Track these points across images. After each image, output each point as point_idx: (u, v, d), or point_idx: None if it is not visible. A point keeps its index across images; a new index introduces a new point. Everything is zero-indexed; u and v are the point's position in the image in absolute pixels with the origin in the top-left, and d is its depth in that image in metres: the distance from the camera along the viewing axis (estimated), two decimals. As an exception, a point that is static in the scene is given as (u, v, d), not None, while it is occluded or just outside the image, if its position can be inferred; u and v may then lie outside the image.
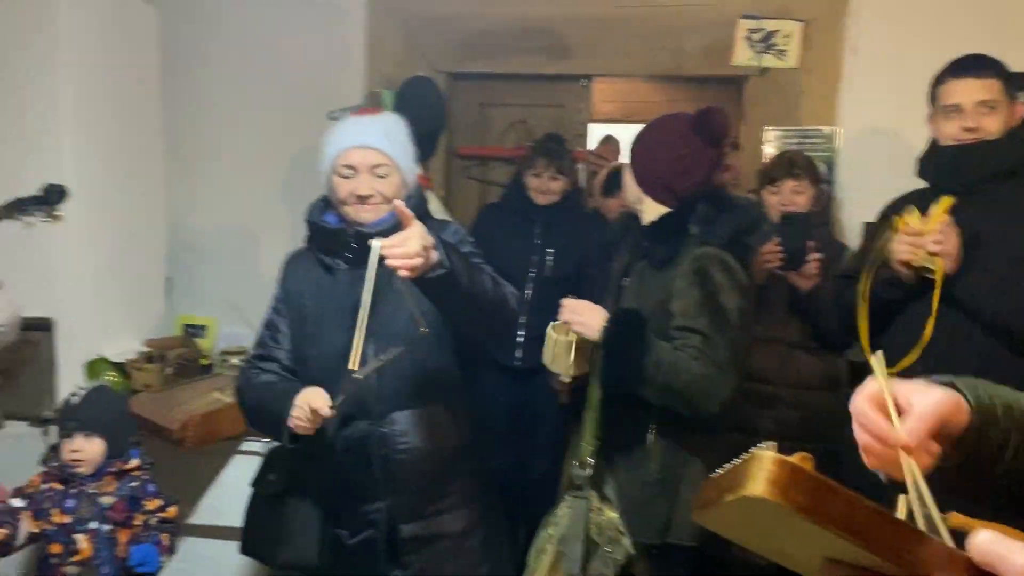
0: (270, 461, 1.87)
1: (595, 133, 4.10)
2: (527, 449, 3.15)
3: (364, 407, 1.80)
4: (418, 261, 1.47)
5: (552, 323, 1.93)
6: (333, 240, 1.84)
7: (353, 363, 1.50)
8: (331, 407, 1.67)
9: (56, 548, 2.14)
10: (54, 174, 2.63)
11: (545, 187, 3.03)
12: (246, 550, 1.89)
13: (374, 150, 1.80)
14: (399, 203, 1.54)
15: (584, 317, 1.85)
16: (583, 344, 1.87)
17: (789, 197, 2.56)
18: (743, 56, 3.09)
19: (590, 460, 1.91)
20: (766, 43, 3.05)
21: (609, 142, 4.13)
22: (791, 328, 2.50)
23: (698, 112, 1.90)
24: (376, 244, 1.51)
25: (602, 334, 1.81)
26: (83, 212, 2.74)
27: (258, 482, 1.87)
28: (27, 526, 2.11)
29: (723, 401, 1.76)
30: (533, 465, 3.16)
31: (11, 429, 2.69)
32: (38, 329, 2.71)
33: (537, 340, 2.02)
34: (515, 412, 3.13)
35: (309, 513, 1.79)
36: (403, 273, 1.48)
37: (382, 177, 1.81)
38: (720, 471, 0.63)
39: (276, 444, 1.89)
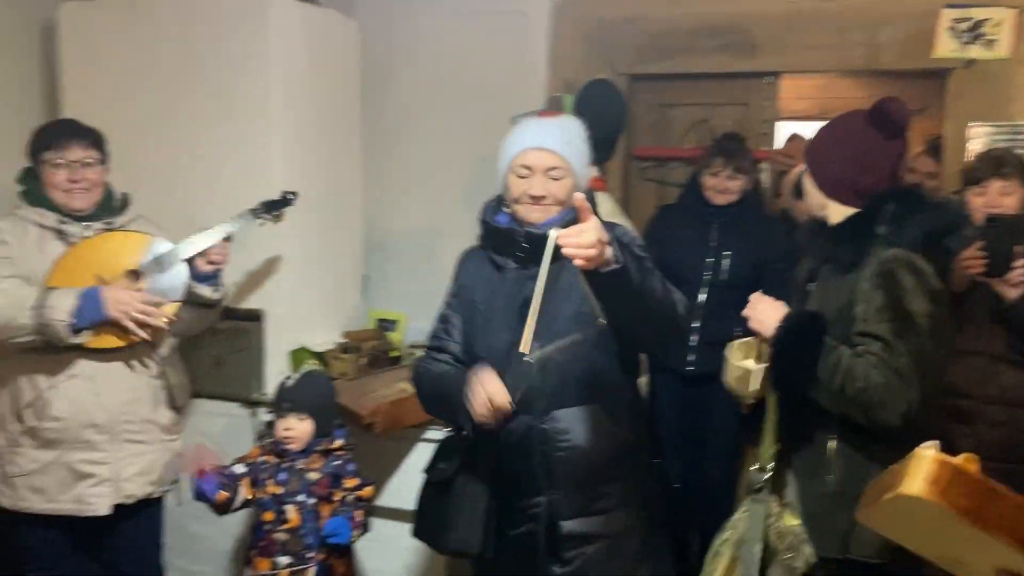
0: (442, 449, 1.98)
1: (784, 131, 3.96)
2: (701, 455, 3.11)
3: (528, 403, 1.86)
4: (593, 252, 1.50)
5: (730, 344, 1.91)
6: (504, 239, 1.92)
7: (524, 346, 1.55)
8: (510, 402, 1.74)
9: (268, 516, 2.38)
10: (264, 180, 2.90)
11: (722, 186, 2.97)
12: (417, 533, 2.01)
13: (551, 152, 1.86)
14: (580, 196, 1.58)
15: (762, 315, 1.81)
16: (764, 363, 1.83)
17: (996, 199, 2.37)
18: (946, 48, 2.90)
19: (770, 464, 1.87)
20: (973, 33, 2.84)
21: (795, 140, 3.98)
22: (995, 340, 2.31)
23: (873, 105, 1.81)
24: (554, 233, 1.55)
25: (775, 333, 1.77)
26: (291, 214, 2.99)
27: (430, 469, 1.98)
28: (245, 492, 2.35)
29: (903, 413, 1.67)
30: (707, 471, 3.12)
31: (224, 409, 2.98)
32: (250, 319, 3.00)
33: (711, 346, 2.00)
34: (689, 418, 3.09)
35: (475, 502, 1.86)
36: (578, 262, 1.51)
37: (556, 180, 1.86)
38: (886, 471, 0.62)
39: (449, 433, 2.00)
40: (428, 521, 1.97)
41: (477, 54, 3.42)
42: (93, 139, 2.40)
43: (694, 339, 2.94)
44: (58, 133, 2.38)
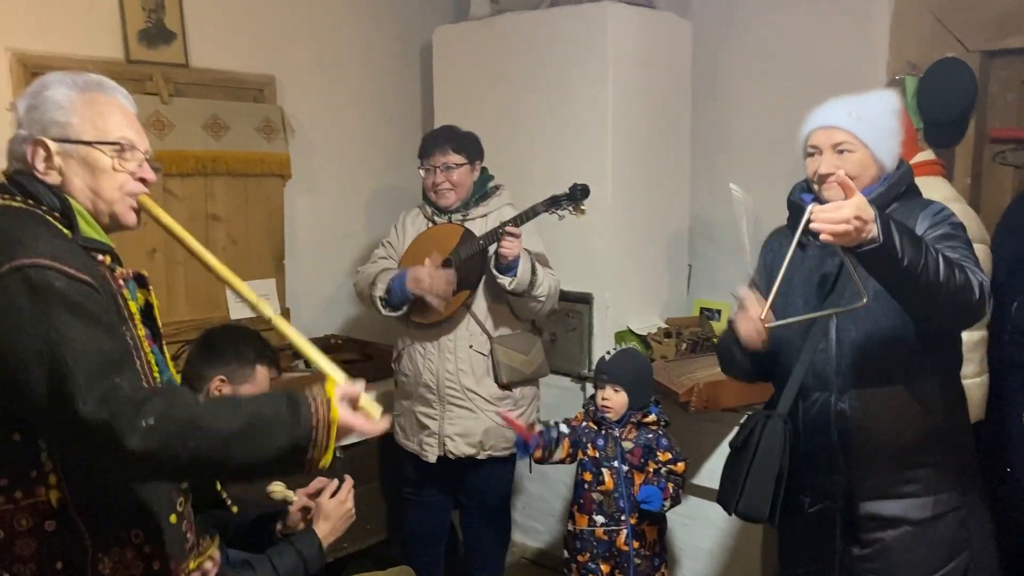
0: (746, 422, 2.05)
1: None
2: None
3: (824, 380, 1.87)
4: (842, 228, 1.51)
5: None
6: (800, 216, 1.93)
7: (763, 314, 1.64)
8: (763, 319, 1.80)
9: (587, 476, 2.61)
10: (598, 170, 3.14)
11: None
12: (718, 498, 2.10)
13: (836, 129, 1.86)
14: (840, 174, 1.61)
15: None
16: None
17: None
18: None
19: None
20: None
21: None
22: None
23: None
24: (810, 207, 1.59)
25: None
26: (620, 204, 3.21)
27: (733, 440, 2.06)
28: (562, 452, 2.61)
29: None
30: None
31: (557, 382, 3.28)
32: (581, 302, 3.28)
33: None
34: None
35: (765, 470, 1.91)
36: (825, 237, 1.53)
37: (845, 154, 1.85)
38: None
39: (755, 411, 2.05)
40: (724, 485, 2.06)
41: (811, 39, 3.34)
42: (456, 145, 2.75)
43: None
44: (427, 143, 2.79)
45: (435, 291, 2.62)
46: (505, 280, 2.64)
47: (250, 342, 2.16)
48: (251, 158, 3.26)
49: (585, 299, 3.27)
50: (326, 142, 3.60)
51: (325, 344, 3.37)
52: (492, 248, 2.65)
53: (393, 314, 2.72)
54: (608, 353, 2.66)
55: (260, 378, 2.11)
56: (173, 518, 1.41)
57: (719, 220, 3.68)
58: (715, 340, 3.31)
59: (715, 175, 3.59)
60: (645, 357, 2.82)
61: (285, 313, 3.39)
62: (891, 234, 1.56)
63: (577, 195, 2.70)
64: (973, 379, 2.39)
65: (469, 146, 2.79)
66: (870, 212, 1.54)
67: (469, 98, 3.52)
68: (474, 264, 2.70)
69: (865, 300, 1.67)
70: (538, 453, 2.54)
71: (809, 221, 1.56)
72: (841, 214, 1.52)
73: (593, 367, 3.14)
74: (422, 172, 2.79)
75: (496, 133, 3.39)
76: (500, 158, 3.35)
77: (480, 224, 2.77)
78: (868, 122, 1.86)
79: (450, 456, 2.75)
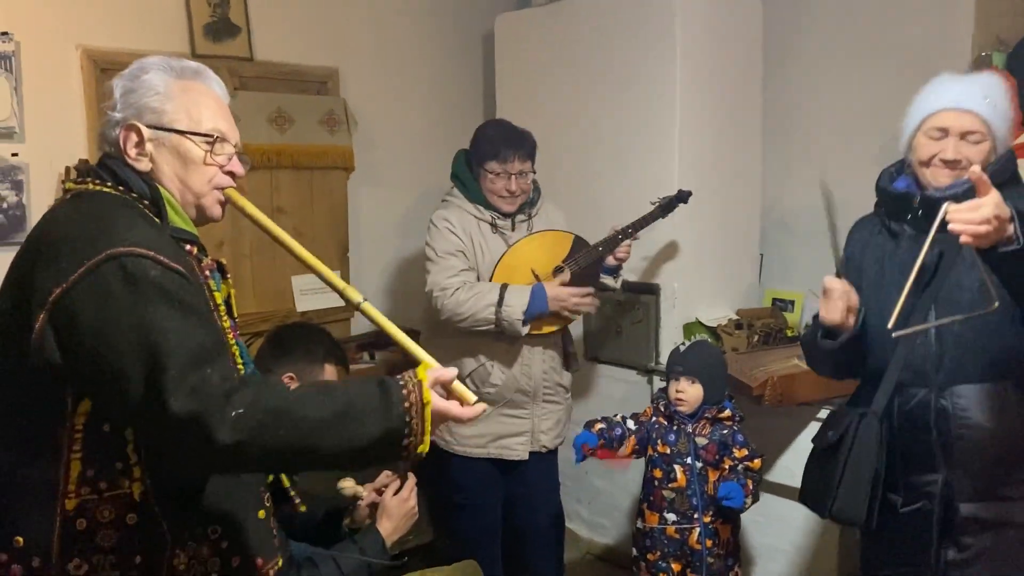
0: (831, 418, 1.94)
1: None
2: None
3: (923, 375, 1.75)
4: (984, 228, 1.40)
5: None
6: (900, 204, 1.82)
7: (891, 322, 1.48)
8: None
9: (658, 473, 2.54)
10: (666, 157, 3.05)
11: None
12: (802, 499, 1.99)
13: (971, 114, 1.73)
14: (976, 169, 1.47)
15: None
16: None
17: None
18: None
19: None
20: None
21: None
22: None
23: None
24: (946, 206, 1.47)
25: None
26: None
27: (818, 437, 1.95)
28: (628, 448, 2.55)
29: None
30: None
31: (624, 376, 3.22)
32: (647, 293, 3.19)
33: None
34: None
35: (861, 471, 1.80)
36: (965, 239, 1.42)
37: (974, 144, 1.73)
38: None
39: (837, 406, 1.95)
40: (813, 486, 1.96)
41: (889, 14, 3.19)
42: (530, 151, 2.69)
43: None
44: (504, 144, 2.64)
45: (576, 308, 2.64)
46: (611, 280, 2.76)
47: (319, 340, 2.16)
48: (315, 151, 3.27)
49: (651, 290, 3.19)
50: (388, 134, 3.58)
51: (384, 336, 3.34)
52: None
53: (525, 332, 2.60)
54: (682, 345, 2.58)
55: (328, 375, 2.11)
56: (262, 514, 1.39)
57: (792, 208, 3.56)
58: (788, 332, 3.20)
59: (789, 160, 3.47)
60: (718, 349, 2.74)
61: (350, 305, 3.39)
62: None
63: (685, 198, 2.81)
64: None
65: (535, 151, 2.75)
66: (1007, 210, 1.44)
67: (532, 88, 3.47)
68: (591, 270, 2.71)
69: (997, 304, 1.55)
70: (602, 451, 2.48)
71: (944, 221, 1.45)
72: (981, 213, 1.41)
73: (660, 360, 3.07)
74: (488, 174, 2.67)
75: (560, 123, 3.34)
76: (565, 148, 3.30)
77: (539, 223, 2.75)
78: (999, 109, 1.75)
79: (543, 451, 2.77)
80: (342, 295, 1.39)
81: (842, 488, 1.81)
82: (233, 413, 1.11)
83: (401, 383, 1.21)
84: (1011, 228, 1.43)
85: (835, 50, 3.30)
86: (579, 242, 2.70)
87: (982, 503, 1.74)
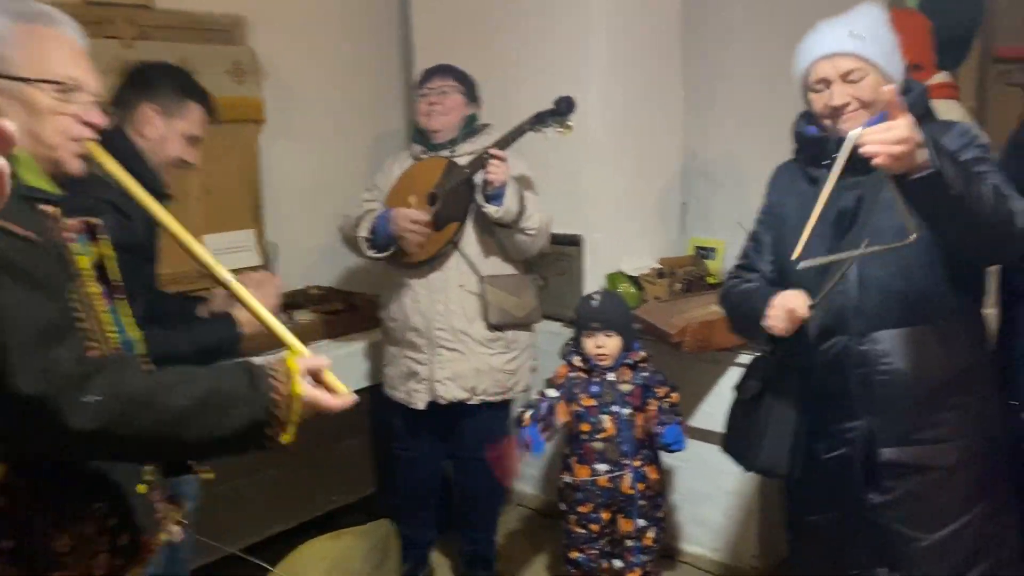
0: (752, 367, 1.95)
1: None
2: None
3: (843, 322, 1.76)
4: (898, 149, 1.37)
5: None
6: (816, 149, 1.81)
7: (796, 252, 1.46)
8: (809, 306, 1.67)
9: (585, 427, 2.53)
10: (583, 105, 2.96)
11: None
12: (726, 449, 2.01)
13: (843, 55, 1.70)
14: (890, 88, 1.44)
15: None
16: None
17: None
18: None
19: None
20: None
21: None
22: None
23: None
24: (854, 132, 1.44)
25: None
26: (608, 141, 3.08)
27: (739, 387, 1.96)
28: (561, 415, 2.52)
29: None
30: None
31: (547, 327, 3.18)
32: (571, 244, 3.17)
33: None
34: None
35: (784, 422, 1.82)
36: (879, 160, 1.39)
37: (856, 82, 1.70)
38: None
39: (760, 354, 1.96)
40: (736, 438, 1.97)
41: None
42: (454, 74, 2.72)
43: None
44: (428, 71, 2.75)
45: (407, 233, 2.56)
46: (491, 209, 2.54)
47: (183, 76, 2.13)
48: (221, 103, 3.07)
49: (575, 241, 3.16)
50: (303, 85, 3.43)
51: (305, 295, 3.26)
52: (479, 178, 2.56)
53: (380, 255, 2.63)
54: (592, 299, 2.56)
55: (195, 116, 2.09)
56: (142, 488, 1.32)
57: (714, 156, 3.55)
58: (710, 279, 3.21)
59: (710, 107, 3.45)
60: (622, 295, 2.78)
61: (266, 264, 3.28)
62: (941, 160, 1.42)
63: (563, 109, 2.62)
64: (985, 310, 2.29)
65: (469, 81, 2.75)
66: (919, 134, 1.41)
67: (450, 33, 3.36)
68: (461, 196, 2.61)
69: (915, 236, 1.53)
70: (546, 434, 2.46)
71: (855, 149, 1.42)
72: (895, 133, 1.38)
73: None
74: (418, 103, 2.73)
75: (479, 68, 3.22)
76: (484, 93, 3.21)
77: (468, 161, 2.67)
78: (872, 39, 1.72)
79: (440, 401, 2.66)
80: (210, 270, 1.34)
81: (766, 440, 1.82)
82: (90, 399, 1.05)
83: (270, 372, 1.18)
84: (924, 154, 1.40)
85: (757, 7, 3.27)
86: (451, 165, 2.65)
87: (903, 447, 1.76)
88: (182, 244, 1.34)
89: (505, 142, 2.58)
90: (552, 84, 3.07)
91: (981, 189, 1.49)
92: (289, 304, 3.13)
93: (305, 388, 1.19)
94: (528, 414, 2.50)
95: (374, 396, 2.89)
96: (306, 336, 2.86)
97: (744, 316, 1.91)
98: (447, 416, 2.71)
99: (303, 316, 3.02)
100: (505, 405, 2.78)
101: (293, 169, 3.43)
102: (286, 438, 1.18)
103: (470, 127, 2.74)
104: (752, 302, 1.86)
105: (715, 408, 2.76)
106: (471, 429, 2.75)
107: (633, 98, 3.14)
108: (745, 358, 2.68)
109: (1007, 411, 2.22)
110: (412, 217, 2.56)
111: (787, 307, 1.71)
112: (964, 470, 1.77)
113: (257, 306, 1.33)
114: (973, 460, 1.77)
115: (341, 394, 1.25)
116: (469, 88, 2.74)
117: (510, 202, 2.54)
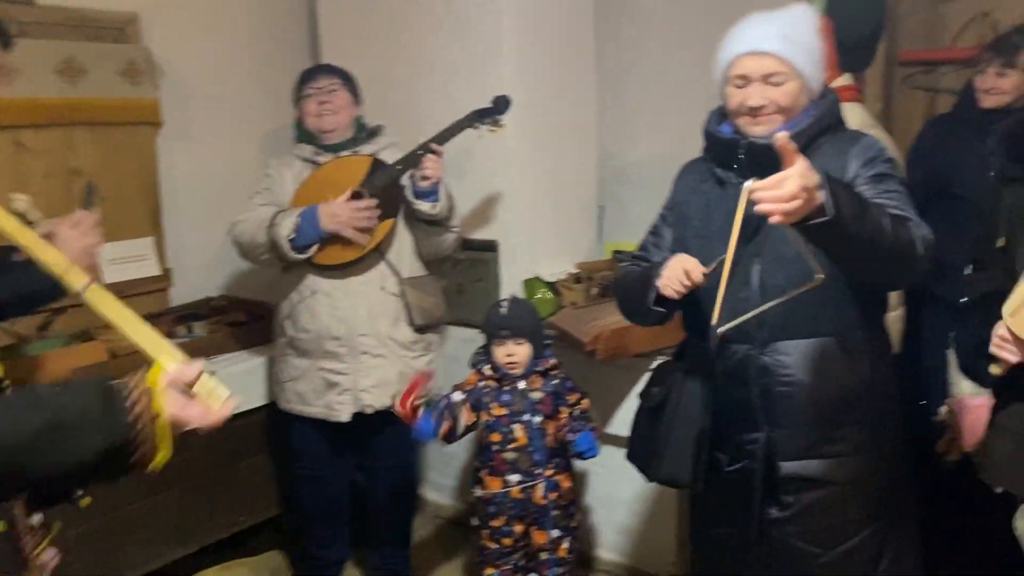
0: (656, 375, 1.90)
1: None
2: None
3: (745, 332, 1.72)
4: (793, 205, 1.32)
5: None
6: (726, 151, 1.76)
7: (714, 318, 1.40)
8: (704, 273, 1.65)
9: (496, 437, 2.45)
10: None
11: (989, 85, 2.55)
12: (630, 457, 1.96)
13: (769, 56, 1.66)
14: (783, 136, 1.38)
15: None
16: None
17: None
18: None
19: None
20: None
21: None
22: None
23: None
24: (747, 185, 1.38)
25: None
26: (523, 143, 3.01)
27: (644, 394, 1.91)
28: (466, 418, 2.43)
29: None
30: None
31: (462, 334, 3.12)
32: (487, 250, 3.10)
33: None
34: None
35: (687, 431, 1.77)
36: (774, 219, 1.33)
37: (777, 85, 1.67)
38: None
39: (664, 359, 1.91)
40: (640, 447, 1.93)
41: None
42: (339, 73, 2.63)
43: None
44: (309, 71, 2.66)
45: (356, 223, 2.43)
46: (427, 206, 2.49)
47: None
48: (115, 105, 2.94)
49: (491, 247, 3.09)
50: (203, 85, 3.27)
51: (207, 306, 3.11)
52: (405, 177, 2.52)
53: (300, 256, 2.46)
54: (501, 305, 2.49)
55: None
56: (3, 526, 1.20)
57: (630, 158, 3.53)
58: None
59: (625, 108, 3.42)
60: (531, 302, 2.71)
61: (167, 274, 3.12)
62: (839, 202, 1.37)
63: (501, 107, 2.62)
64: (890, 312, 2.30)
65: (353, 81, 2.67)
66: (815, 178, 1.35)
67: (358, 30, 3.25)
68: (393, 193, 2.52)
69: (823, 277, 1.50)
70: (445, 426, 2.36)
71: (751, 203, 1.37)
72: (787, 189, 1.32)
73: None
74: (303, 103, 2.60)
75: (388, 68, 3.15)
76: (394, 90, 3.13)
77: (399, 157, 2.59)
78: (801, 45, 1.67)
79: (367, 411, 2.55)
80: (60, 277, 1.22)
81: (668, 450, 1.78)
82: None
83: (127, 391, 1.05)
84: (821, 196, 1.35)
85: (671, 12, 3.25)
86: (377, 164, 2.54)
87: (804, 461, 1.74)
88: (22, 247, 1.22)
89: (442, 138, 2.53)
90: (464, 84, 3.01)
91: (881, 221, 1.46)
92: (189, 316, 2.99)
93: (171, 405, 1.07)
94: (422, 403, 2.37)
95: (272, 411, 2.75)
96: (206, 350, 2.73)
97: (635, 290, 1.83)
98: (362, 428, 2.60)
99: (203, 328, 2.88)
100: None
101: (194, 173, 3.27)
102: (158, 462, 1.07)
103: (366, 128, 2.67)
104: (644, 272, 1.81)
105: (629, 414, 2.68)
106: (386, 437, 2.64)
107: (547, 100, 3.09)
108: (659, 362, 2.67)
109: (913, 416, 2.24)
110: (356, 204, 2.44)
111: (683, 267, 1.67)
112: (864, 485, 1.75)
113: (117, 311, 1.19)
114: (873, 475, 1.76)
115: (218, 405, 1.12)
116: (355, 87, 2.66)
117: (443, 197, 2.51)
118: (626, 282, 1.93)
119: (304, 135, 2.65)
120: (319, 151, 2.60)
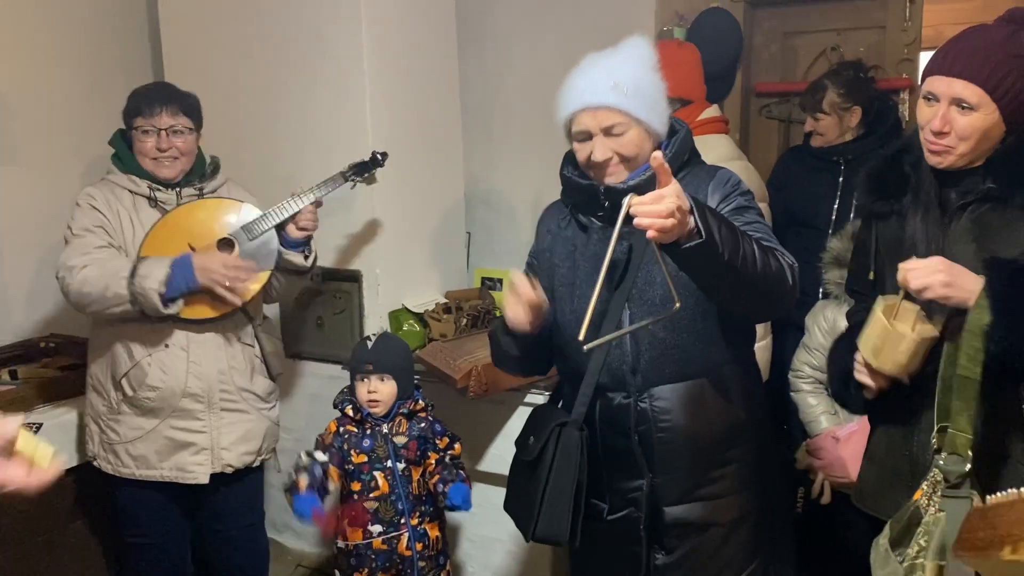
0: (530, 423, 1.82)
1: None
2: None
3: (620, 380, 1.67)
4: (670, 222, 1.28)
5: (882, 299, 1.54)
6: (585, 197, 1.70)
7: (582, 333, 1.34)
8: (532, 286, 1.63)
9: (356, 485, 2.31)
10: (358, 136, 2.79)
11: (810, 127, 2.79)
12: (507, 508, 1.87)
13: (604, 109, 1.59)
14: (658, 155, 1.35)
15: (958, 279, 1.41)
16: (930, 336, 1.48)
17: None
18: None
19: (967, 453, 1.44)
20: None
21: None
22: None
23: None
24: (627, 199, 1.33)
25: (991, 295, 1.38)
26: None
27: (519, 443, 1.83)
28: (333, 482, 2.27)
29: None
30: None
31: (323, 370, 2.94)
32: (349, 280, 2.93)
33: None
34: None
35: (563, 487, 1.68)
36: (651, 234, 1.29)
37: (619, 135, 1.61)
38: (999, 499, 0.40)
39: (539, 405, 1.83)
40: (516, 503, 1.83)
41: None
42: (186, 106, 2.32)
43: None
44: (150, 99, 2.30)
45: (229, 282, 2.19)
46: (299, 258, 2.39)
47: None
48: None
49: (353, 277, 2.93)
50: (27, 106, 2.96)
51: (36, 348, 2.79)
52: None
53: (168, 312, 2.17)
54: (367, 340, 2.36)
55: None
56: None
57: (495, 185, 3.47)
58: (497, 312, 3.10)
59: (489, 136, 3.36)
60: (402, 340, 2.52)
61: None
62: (710, 226, 1.34)
63: (380, 162, 2.59)
64: (758, 343, 2.32)
65: (197, 111, 2.38)
66: (687, 201, 1.32)
67: (205, 47, 3.03)
68: (269, 244, 2.33)
69: (679, 305, 1.45)
70: (322, 499, 2.20)
71: (628, 215, 1.30)
72: (665, 205, 1.28)
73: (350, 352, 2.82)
74: (137, 134, 2.29)
75: (237, 95, 2.96)
76: (248, 120, 2.93)
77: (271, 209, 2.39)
78: (636, 92, 1.60)
79: (227, 471, 2.34)
80: None
81: (544, 507, 1.69)
82: None
83: None
84: (691, 220, 1.32)
85: (527, 27, 3.23)
86: (248, 211, 2.34)
87: (687, 505, 1.70)
88: None
89: (319, 191, 2.41)
90: (320, 110, 2.86)
91: (752, 248, 1.43)
92: (13, 358, 2.67)
93: None
94: (304, 480, 2.20)
95: (87, 477, 2.44)
96: (31, 400, 2.44)
97: (496, 339, 1.83)
98: (189, 489, 2.36)
99: (28, 373, 2.57)
100: (262, 465, 2.51)
101: (20, 202, 2.95)
102: None
103: (205, 162, 2.44)
104: (501, 319, 1.77)
105: (503, 450, 2.64)
106: (231, 497, 2.42)
107: (409, 126, 2.97)
108: (533, 397, 2.59)
109: (779, 438, 2.26)
110: (230, 263, 2.21)
111: (512, 291, 1.64)
112: (744, 523, 1.72)
113: None
114: (752, 512, 1.74)
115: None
116: (198, 117, 2.38)
117: (314, 248, 2.45)
118: (493, 334, 1.87)
119: (132, 165, 2.34)
120: (156, 187, 2.32)
